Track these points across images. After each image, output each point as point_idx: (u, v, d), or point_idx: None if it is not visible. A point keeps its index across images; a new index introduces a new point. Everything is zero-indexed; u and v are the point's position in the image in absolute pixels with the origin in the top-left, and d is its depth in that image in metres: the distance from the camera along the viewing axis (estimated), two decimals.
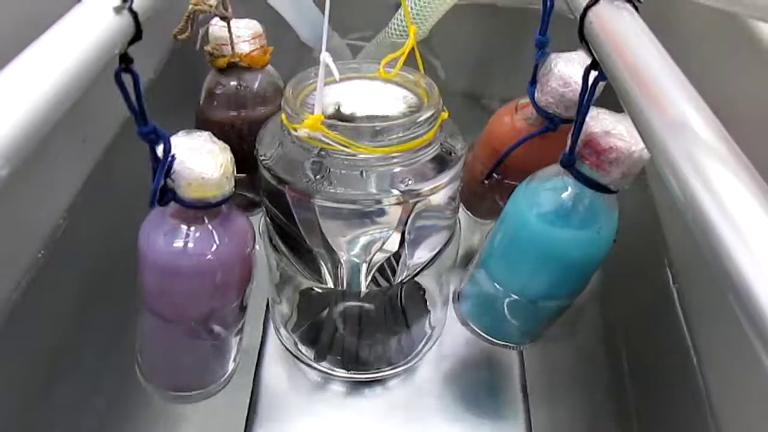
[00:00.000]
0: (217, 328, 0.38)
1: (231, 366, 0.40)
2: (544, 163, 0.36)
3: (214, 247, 0.33)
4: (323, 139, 0.31)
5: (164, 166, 0.30)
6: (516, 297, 0.38)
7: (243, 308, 0.39)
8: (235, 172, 0.33)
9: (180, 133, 0.33)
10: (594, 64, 0.28)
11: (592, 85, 0.30)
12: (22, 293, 0.48)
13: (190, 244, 0.33)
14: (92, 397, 0.43)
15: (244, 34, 0.45)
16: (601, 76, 0.28)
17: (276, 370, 0.44)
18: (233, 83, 0.47)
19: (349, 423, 0.42)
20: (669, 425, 0.42)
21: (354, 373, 0.43)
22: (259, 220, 0.40)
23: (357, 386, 0.44)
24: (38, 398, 0.43)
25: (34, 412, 0.42)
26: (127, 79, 0.27)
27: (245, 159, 0.35)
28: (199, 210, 0.33)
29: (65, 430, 0.42)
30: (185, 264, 0.34)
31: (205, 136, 0.33)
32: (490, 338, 0.41)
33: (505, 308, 0.39)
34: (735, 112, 0.29)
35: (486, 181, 0.46)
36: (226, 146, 0.33)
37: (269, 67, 0.48)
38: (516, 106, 0.45)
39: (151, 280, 0.36)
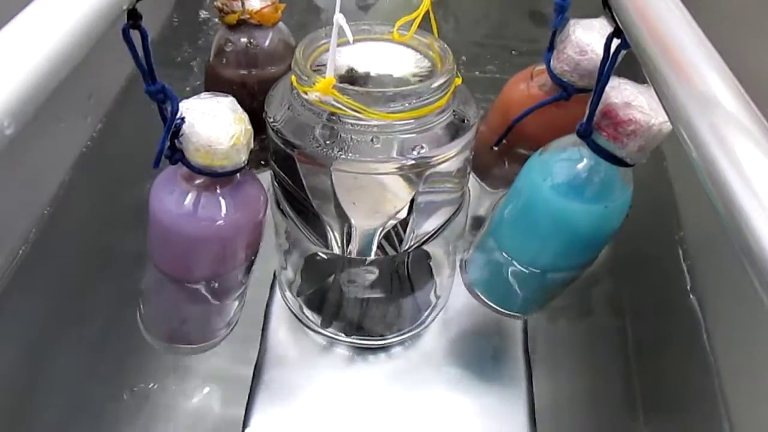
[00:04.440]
0: (218, 290, 0.38)
1: (229, 326, 0.40)
2: (557, 133, 0.36)
3: (223, 214, 0.33)
4: (334, 103, 0.30)
5: (170, 127, 0.29)
6: (524, 267, 0.38)
7: (248, 272, 0.39)
8: (252, 143, 0.32)
9: (203, 94, 0.32)
10: (617, 32, 0.27)
11: (613, 53, 0.29)
12: (29, 249, 0.48)
13: (198, 209, 0.33)
14: (100, 347, 0.44)
15: None
16: (623, 44, 0.27)
17: (282, 333, 0.45)
18: (243, 40, 0.46)
19: (353, 387, 0.42)
20: (674, 398, 0.42)
21: (358, 339, 0.44)
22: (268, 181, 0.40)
23: (361, 352, 0.44)
24: (46, 346, 0.44)
25: (44, 355, 0.43)
26: (134, 35, 0.26)
27: (256, 119, 0.35)
28: (208, 175, 0.32)
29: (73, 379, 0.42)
30: (191, 228, 0.33)
31: (226, 101, 0.31)
32: (495, 306, 0.41)
33: (513, 278, 0.39)
34: (763, 84, 0.28)
35: (495, 148, 0.46)
36: (245, 117, 0.32)
37: (281, 24, 0.47)
38: (532, 73, 0.44)
39: (157, 238, 0.36)
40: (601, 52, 0.30)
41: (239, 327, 0.41)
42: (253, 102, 0.42)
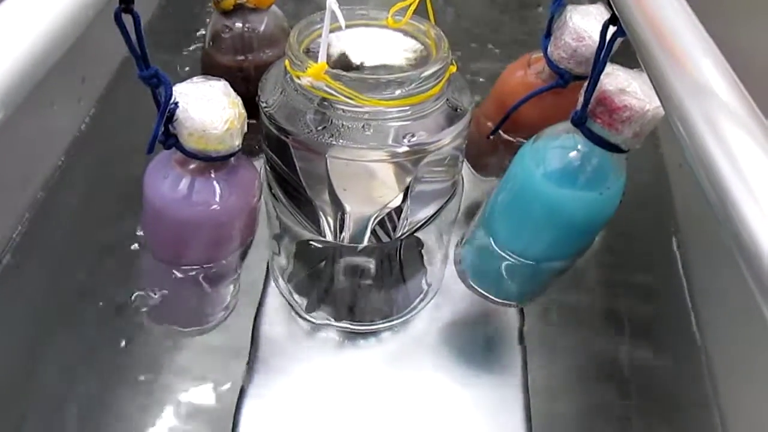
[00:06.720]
0: (213, 275, 0.38)
1: (224, 310, 0.40)
2: (553, 121, 0.35)
3: (217, 198, 0.33)
4: (326, 89, 0.30)
5: (164, 112, 0.29)
6: (517, 256, 0.38)
7: (243, 258, 0.39)
8: (245, 128, 0.32)
9: (195, 79, 0.31)
10: (613, 19, 0.27)
11: (609, 41, 0.28)
12: (23, 234, 0.48)
13: (192, 194, 0.33)
14: (96, 331, 0.44)
15: None
16: (619, 32, 0.27)
17: (275, 319, 0.45)
18: (239, 25, 0.46)
19: (344, 371, 0.43)
20: (666, 386, 0.43)
21: (349, 324, 0.44)
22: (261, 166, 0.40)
23: (352, 337, 0.44)
24: (40, 332, 0.44)
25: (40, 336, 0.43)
26: (127, 19, 0.26)
27: (253, 104, 0.34)
28: (202, 160, 0.32)
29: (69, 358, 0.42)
30: (185, 213, 0.33)
31: (219, 85, 0.31)
32: (489, 296, 0.41)
33: (506, 267, 0.39)
34: (758, 73, 0.28)
35: (491, 137, 0.45)
36: (238, 101, 0.31)
37: (274, 7, 0.47)
38: (529, 61, 0.44)
39: (151, 223, 0.36)
40: (598, 38, 0.29)
41: (233, 312, 0.41)
42: (249, 87, 0.42)
